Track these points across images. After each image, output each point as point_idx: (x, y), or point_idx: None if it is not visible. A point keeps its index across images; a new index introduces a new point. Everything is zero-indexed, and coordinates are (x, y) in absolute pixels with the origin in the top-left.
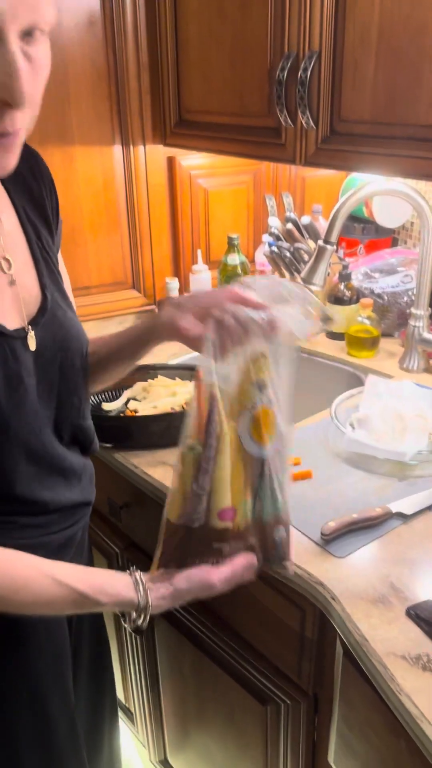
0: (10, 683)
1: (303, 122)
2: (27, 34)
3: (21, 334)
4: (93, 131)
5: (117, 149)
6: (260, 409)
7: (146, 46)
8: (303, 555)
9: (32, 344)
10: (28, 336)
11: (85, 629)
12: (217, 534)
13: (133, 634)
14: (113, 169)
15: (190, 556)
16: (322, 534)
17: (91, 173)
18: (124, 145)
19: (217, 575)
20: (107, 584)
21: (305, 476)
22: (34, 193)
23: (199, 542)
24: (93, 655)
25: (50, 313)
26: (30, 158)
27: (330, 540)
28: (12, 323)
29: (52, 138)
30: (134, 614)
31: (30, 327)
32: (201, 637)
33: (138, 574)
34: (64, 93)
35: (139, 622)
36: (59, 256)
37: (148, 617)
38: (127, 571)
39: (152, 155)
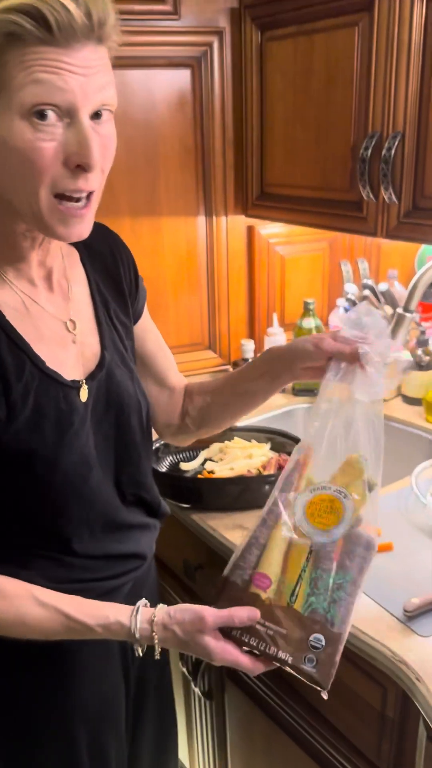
0: (48, 722)
1: (385, 197)
2: (96, 116)
3: (76, 384)
4: (179, 203)
5: (201, 220)
6: (325, 492)
7: (232, 123)
8: (385, 631)
9: (84, 395)
10: (82, 388)
11: (150, 689)
12: (248, 600)
13: (203, 698)
14: (196, 238)
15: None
16: (404, 610)
17: (176, 242)
18: (208, 216)
19: (210, 612)
20: (96, 606)
21: (386, 548)
22: (110, 270)
23: (229, 602)
24: (157, 715)
25: (107, 371)
26: (111, 241)
27: (413, 617)
28: (70, 375)
29: (142, 210)
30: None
31: (85, 381)
32: (274, 707)
33: (143, 602)
34: (155, 169)
35: (138, 649)
36: (147, 317)
37: (141, 643)
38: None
39: (233, 225)
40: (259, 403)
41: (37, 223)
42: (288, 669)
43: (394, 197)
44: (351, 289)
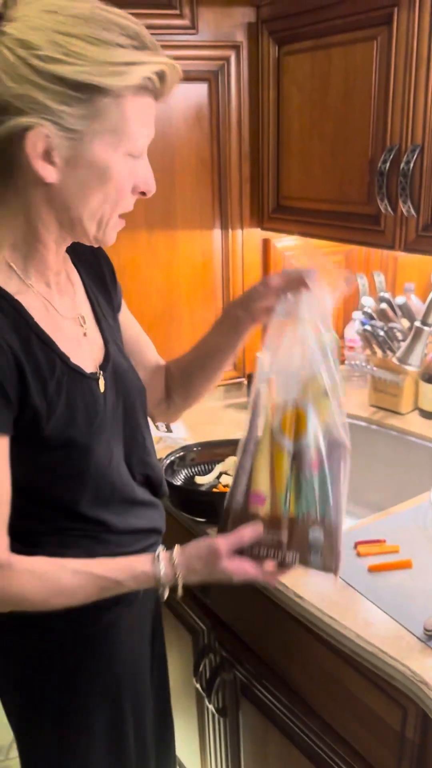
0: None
1: (404, 211)
2: None
3: (95, 376)
4: (195, 217)
5: (216, 233)
6: (291, 407)
7: (248, 137)
8: (405, 650)
9: (102, 385)
10: (99, 379)
11: (156, 657)
12: (249, 519)
13: (217, 715)
14: (212, 251)
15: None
16: (425, 629)
17: (192, 255)
18: (223, 229)
19: (222, 540)
20: (121, 562)
21: (404, 565)
22: (94, 269)
23: (234, 527)
24: (158, 681)
25: (113, 361)
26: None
27: None
28: (88, 368)
29: (158, 223)
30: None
31: (100, 371)
32: (289, 725)
33: (161, 548)
34: (171, 182)
35: (165, 593)
36: (125, 307)
37: (165, 586)
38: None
39: (249, 237)
40: (230, 357)
41: (96, 234)
42: (300, 566)
43: (412, 210)
44: (367, 302)
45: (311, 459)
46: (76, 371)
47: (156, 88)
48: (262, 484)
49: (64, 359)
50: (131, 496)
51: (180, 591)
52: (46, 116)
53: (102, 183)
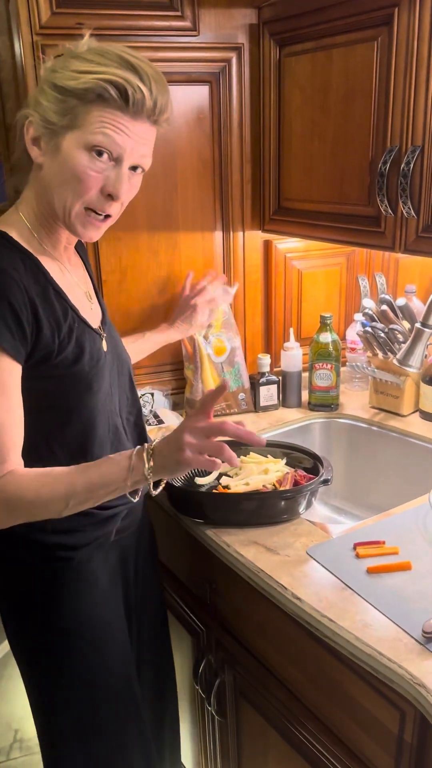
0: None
1: (404, 212)
2: (132, 168)
3: (99, 332)
4: (197, 219)
5: (218, 235)
6: (215, 341)
7: (250, 139)
8: (402, 653)
9: (105, 345)
10: (103, 340)
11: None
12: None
13: (216, 717)
14: (213, 253)
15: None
16: (423, 631)
17: (193, 256)
18: (225, 231)
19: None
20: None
21: (404, 567)
22: (83, 256)
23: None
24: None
25: (109, 332)
26: None
27: None
28: (93, 325)
29: (159, 225)
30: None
31: (103, 333)
32: (288, 726)
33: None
34: (172, 184)
35: (147, 475)
36: None
37: (147, 459)
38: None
39: (250, 239)
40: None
41: (64, 221)
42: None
43: (412, 212)
44: (368, 303)
45: (231, 361)
46: (85, 323)
47: (114, 99)
48: (210, 384)
49: (75, 310)
50: (118, 443)
51: (151, 463)
52: (37, 110)
53: (69, 174)
